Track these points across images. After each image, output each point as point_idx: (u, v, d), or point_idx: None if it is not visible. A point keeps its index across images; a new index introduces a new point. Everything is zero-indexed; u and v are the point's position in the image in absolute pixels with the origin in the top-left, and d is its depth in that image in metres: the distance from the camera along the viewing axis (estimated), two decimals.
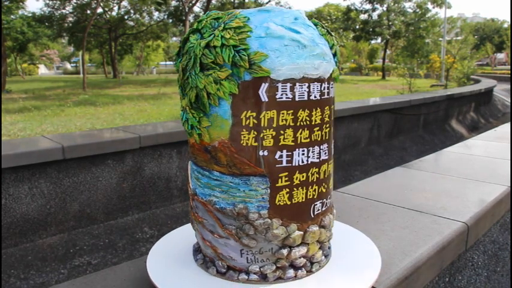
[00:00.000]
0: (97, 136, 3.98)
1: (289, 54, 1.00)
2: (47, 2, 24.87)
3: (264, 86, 1.00)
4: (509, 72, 27.56)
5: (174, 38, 39.83)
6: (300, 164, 1.06)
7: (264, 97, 1.00)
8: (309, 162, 1.08)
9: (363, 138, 6.62)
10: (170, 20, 28.71)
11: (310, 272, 1.16)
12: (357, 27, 32.83)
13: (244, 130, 1.02)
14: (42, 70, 47.10)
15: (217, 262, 1.15)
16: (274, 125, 1.02)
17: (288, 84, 1.01)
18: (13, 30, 25.74)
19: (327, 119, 1.11)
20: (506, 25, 48.83)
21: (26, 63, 37.44)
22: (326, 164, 1.13)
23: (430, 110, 8.33)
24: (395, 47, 34.20)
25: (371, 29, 30.91)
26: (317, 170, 1.10)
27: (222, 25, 1.02)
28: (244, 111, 1.01)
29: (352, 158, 6.27)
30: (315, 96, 1.05)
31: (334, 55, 1.14)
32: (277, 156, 1.03)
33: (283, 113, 1.02)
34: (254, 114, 1.01)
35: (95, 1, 22.89)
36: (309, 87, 1.04)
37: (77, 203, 3.55)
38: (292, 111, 1.02)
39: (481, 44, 43.70)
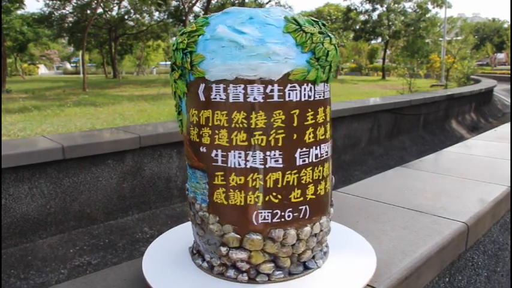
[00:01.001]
0: (97, 136, 3.98)
1: (223, 55, 1.01)
2: (47, 2, 24.87)
3: (202, 86, 1.05)
4: (509, 72, 27.56)
5: (174, 38, 39.79)
6: (236, 166, 1.04)
7: (202, 97, 1.06)
8: (248, 166, 1.04)
9: (363, 138, 6.62)
10: (170, 20, 28.73)
11: (253, 280, 1.10)
12: (357, 27, 32.84)
13: (191, 126, 1.11)
14: (42, 70, 47.11)
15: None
16: (210, 124, 1.05)
17: (221, 85, 1.02)
18: (12, 30, 25.74)
19: (277, 124, 1.03)
20: (506, 25, 48.81)
21: (26, 63, 37.46)
22: (279, 173, 1.05)
23: (430, 110, 8.33)
24: (395, 47, 34.21)
25: (371, 29, 30.92)
26: (260, 176, 1.05)
27: (183, 30, 1.12)
28: (191, 109, 1.10)
29: (352, 158, 6.28)
30: (255, 99, 1.01)
31: (313, 53, 1.05)
32: (213, 155, 1.07)
33: (217, 113, 1.04)
34: (196, 112, 1.08)
35: (95, 1, 22.89)
36: (245, 88, 1.01)
37: (77, 203, 3.55)
38: (226, 112, 1.03)
39: (481, 44, 43.70)
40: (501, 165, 2.55)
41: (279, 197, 1.07)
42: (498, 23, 51.03)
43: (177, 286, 1.14)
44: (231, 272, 1.12)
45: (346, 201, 1.91)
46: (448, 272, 1.68)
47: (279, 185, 1.06)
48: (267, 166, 1.04)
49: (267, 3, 27.13)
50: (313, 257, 1.19)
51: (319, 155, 1.11)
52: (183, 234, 1.38)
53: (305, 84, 1.04)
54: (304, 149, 1.07)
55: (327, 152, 1.15)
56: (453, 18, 41.87)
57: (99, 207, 3.69)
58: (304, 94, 1.04)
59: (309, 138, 1.07)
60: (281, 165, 1.05)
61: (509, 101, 14.71)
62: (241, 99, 1.02)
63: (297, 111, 1.04)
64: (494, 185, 2.12)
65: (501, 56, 57.68)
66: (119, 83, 20.71)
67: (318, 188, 1.13)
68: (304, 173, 1.08)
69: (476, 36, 42.64)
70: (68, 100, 11.37)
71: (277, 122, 1.03)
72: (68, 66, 53.72)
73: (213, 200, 1.09)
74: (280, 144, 1.04)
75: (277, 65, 1.01)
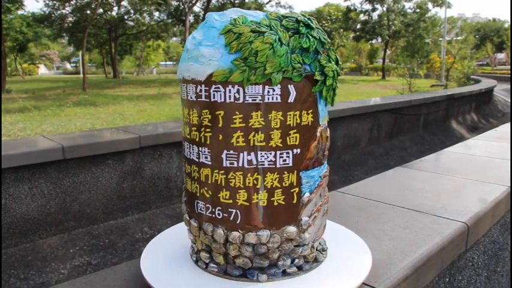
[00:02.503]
0: (97, 136, 3.98)
1: (181, 58, 1.14)
2: (47, 2, 24.87)
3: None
4: (509, 72, 27.56)
5: (174, 38, 39.83)
6: (187, 156, 1.17)
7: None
8: (190, 157, 1.15)
9: (363, 138, 6.62)
10: (170, 20, 28.73)
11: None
12: (357, 27, 32.85)
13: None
14: (42, 70, 47.13)
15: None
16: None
17: (180, 84, 1.16)
18: (12, 30, 25.75)
19: (205, 122, 1.07)
20: (506, 25, 48.79)
21: (26, 63, 37.47)
22: (208, 169, 1.10)
23: (430, 110, 8.33)
24: (395, 47, 34.21)
25: (371, 29, 30.93)
26: (197, 169, 1.13)
27: None
28: None
29: (352, 158, 6.28)
30: (191, 97, 1.10)
31: (240, 54, 1.03)
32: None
33: (181, 107, 1.19)
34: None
35: (95, 1, 22.89)
36: (186, 87, 1.11)
37: (77, 203, 3.55)
38: (182, 107, 1.17)
39: (481, 44, 43.70)
40: (501, 165, 2.55)
41: (210, 192, 1.11)
42: (498, 23, 51.01)
43: (176, 283, 1.15)
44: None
45: (346, 201, 1.91)
46: (448, 272, 1.68)
47: (209, 181, 1.11)
48: (200, 161, 1.12)
49: (267, 3, 27.14)
50: (267, 268, 1.15)
51: (253, 162, 1.06)
52: (180, 233, 1.39)
53: (230, 85, 1.03)
54: (232, 152, 1.07)
55: (272, 161, 1.07)
56: (453, 18, 41.88)
57: (99, 207, 3.69)
58: (230, 96, 1.03)
59: (237, 142, 1.05)
60: (209, 163, 1.10)
61: (509, 100, 14.71)
62: (185, 97, 1.13)
63: (222, 112, 1.05)
64: (494, 185, 2.12)
65: (501, 56, 57.68)
66: (119, 83, 20.71)
67: (254, 197, 1.08)
68: (232, 176, 1.08)
69: (476, 36, 42.63)
70: (68, 100, 11.38)
71: (205, 120, 1.08)
72: (68, 66, 53.71)
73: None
74: (208, 142, 1.09)
75: (202, 67, 1.05)
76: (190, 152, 1.14)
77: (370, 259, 1.27)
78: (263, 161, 1.06)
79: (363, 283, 1.20)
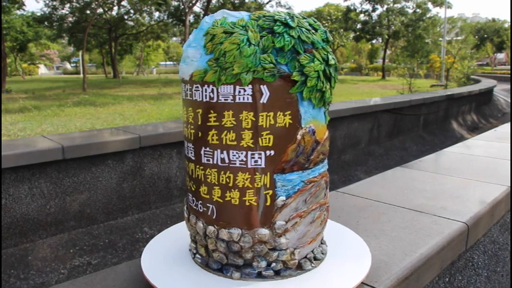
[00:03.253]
0: (97, 136, 3.98)
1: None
2: (47, 2, 24.87)
3: None
4: (509, 72, 27.56)
5: (174, 38, 39.84)
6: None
7: None
8: (185, 152, 1.21)
9: (363, 138, 6.62)
10: (170, 20, 28.72)
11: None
12: (357, 27, 32.86)
13: None
14: (42, 70, 47.13)
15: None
16: None
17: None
18: (12, 30, 25.74)
19: (190, 120, 1.13)
20: (506, 25, 48.76)
21: (26, 63, 37.46)
22: (192, 164, 1.16)
23: (430, 110, 8.33)
24: (395, 47, 34.21)
25: (371, 29, 30.93)
26: (187, 164, 1.20)
27: None
28: None
29: (352, 158, 6.28)
30: (183, 96, 1.17)
31: (213, 54, 1.05)
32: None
33: None
34: None
35: (96, 1, 22.89)
36: (181, 86, 1.18)
37: (77, 203, 3.55)
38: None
39: (481, 44, 43.70)
40: (501, 165, 2.55)
41: (194, 186, 1.17)
42: (498, 23, 50.98)
43: (176, 282, 1.15)
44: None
45: (346, 201, 1.91)
46: (448, 272, 1.68)
47: (194, 176, 1.16)
48: (188, 155, 1.18)
49: (267, 3, 27.14)
50: (241, 266, 1.15)
51: (226, 160, 1.08)
52: (181, 233, 1.39)
53: (205, 85, 1.06)
54: (208, 149, 1.10)
55: (243, 161, 1.07)
56: (453, 19, 41.87)
57: (99, 207, 3.69)
58: (205, 95, 1.07)
59: (212, 140, 1.08)
60: (194, 158, 1.15)
61: (509, 101, 14.70)
62: (183, 96, 1.18)
63: (200, 110, 1.10)
64: (494, 185, 2.12)
65: (501, 56, 57.67)
66: (119, 83, 20.71)
67: (227, 195, 1.10)
68: (209, 172, 1.11)
69: (476, 36, 42.63)
70: (68, 100, 11.38)
71: (189, 118, 1.14)
72: (68, 66, 53.72)
73: None
74: (192, 138, 1.14)
75: (186, 67, 1.11)
76: (185, 148, 1.20)
77: (369, 259, 1.27)
78: (235, 160, 1.07)
79: (363, 283, 1.20)
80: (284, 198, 1.10)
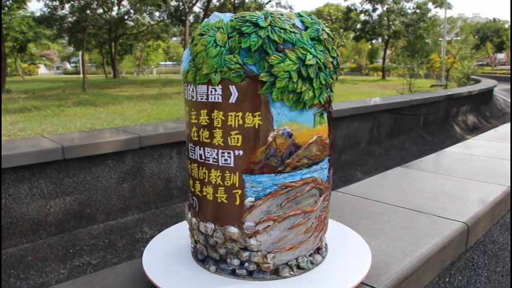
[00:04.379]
0: (97, 136, 3.97)
1: None
2: (47, 2, 24.86)
3: None
4: (509, 72, 27.55)
5: (174, 38, 39.84)
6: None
7: None
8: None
9: (363, 138, 6.62)
10: (170, 20, 28.72)
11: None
12: (357, 27, 32.86)
13: None
14: (42, 70, 47.13)
15: None
16: None
17: None
18: (12, 30, 25.73)
19: (185, 117, 1.21)
20: (506, 25, 48.73)
21: (26, 63, 37.45)
22: (187, 159, 1.23)
23: (430, 110, 8.33)
24: (395, 47, 34.20)
25: (371, 29, 30.93)
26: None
27: None
28: None
29: (352, 158, 6.27)
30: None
31: (196, 56, 1.08)
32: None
33: None
34: None
35: (96, 2, 22.89)
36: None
37: (77, 203, 3.55)
38: None
39: (481, 44, 43.67)
40: (501, 165, 2.55)
41: (188, 179, 1.23)
42: (498, 23, 50.95)
43: (178, 281, 1.15)
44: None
45: (346, 201, 1.91)
46: (448, 272, 1.68)
47: (187, 169, 1.23)
48: (189, 156, 1.22)
49: (267, 3, 27.13)
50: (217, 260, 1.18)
51: (203, 157, 1.12)
52: (181, 232, 1.39)
53: (189, 84, 1.13)
54: (191, 145, 1.17)
55: (215, 158, 1.09)
56: (453, 19, 41.84)
57: (99, 207, 3.69)
58: (189, 94, 1.15)
59: (194, 136, 1.15)
60: (186, 153, 1.22)
61: (509, 101, 14.70)
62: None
63: (187, 108, 1.17)
64: (494, 185, 2.12)
65: (501, 56, 57.66)
66: (119, 83, 20.71)
67: (204, 190, 1.14)
68: (192, 166, 1.18)
69: (476, 37, 42.62)
70: (68, 100, 11.38)
71: (185, 115, 1.21)
72: (68, 66, 53.71)
73: None
74: (186, 134, 1.22)
75: (180, 68, 1.20)
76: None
77: (369, 258, 1.27)
78: (208, 158, 1.12)
79: (363, 283, 1.20)
80: (253, 199, 1.09)
